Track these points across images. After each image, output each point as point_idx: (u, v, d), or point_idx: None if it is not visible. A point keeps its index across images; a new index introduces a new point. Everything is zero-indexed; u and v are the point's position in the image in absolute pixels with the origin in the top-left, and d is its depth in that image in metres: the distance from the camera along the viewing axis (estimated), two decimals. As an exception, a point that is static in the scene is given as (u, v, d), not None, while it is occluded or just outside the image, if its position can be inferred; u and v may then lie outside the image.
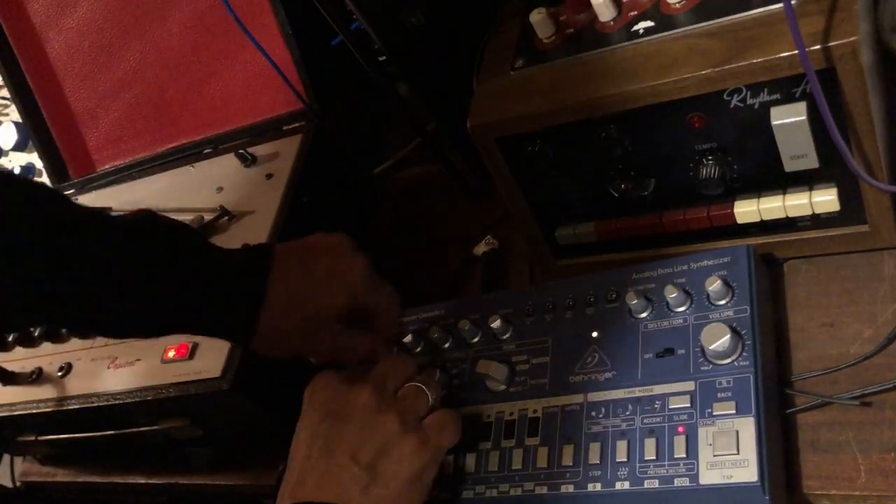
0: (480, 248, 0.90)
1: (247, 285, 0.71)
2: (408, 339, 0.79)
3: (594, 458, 0.64)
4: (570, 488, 0.63)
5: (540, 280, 0.84)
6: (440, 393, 0.70)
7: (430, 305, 0.82)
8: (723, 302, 0.65)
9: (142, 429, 0.91)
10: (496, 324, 0.75)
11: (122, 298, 0.69)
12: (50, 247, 0.65)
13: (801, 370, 0.67)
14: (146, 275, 0.69)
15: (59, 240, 0.66)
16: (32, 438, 1.02)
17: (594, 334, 0.70)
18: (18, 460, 1.14)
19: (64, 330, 0.99)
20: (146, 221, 0.71)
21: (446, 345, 0.78)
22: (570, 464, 0.64)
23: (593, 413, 0.66)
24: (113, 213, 0.76)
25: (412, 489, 0.64)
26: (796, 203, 0.66)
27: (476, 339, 0.77)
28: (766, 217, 0.68)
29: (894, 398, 0.62)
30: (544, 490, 0.65)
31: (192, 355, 0.85)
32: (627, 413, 0.64)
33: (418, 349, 0.79)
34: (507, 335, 0.75)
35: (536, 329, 0.74)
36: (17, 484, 1.11)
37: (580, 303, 0.73)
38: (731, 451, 0.58)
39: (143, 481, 1.00)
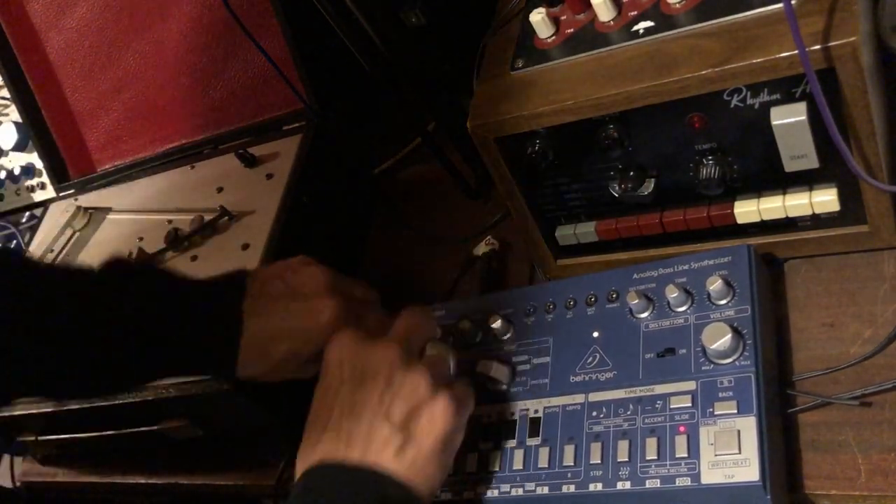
0: (480, 248, 0.90)
1: (223, 309, 0.71)
2: (408, 339, 0.79)
3: (595, 457, 0.64)
4: (572, 488, 0.64)
5: (540, 280, 0.84)
6: (457, 361, 0.69)
7: (430, 305, 0.82)
8: (724, 301, 0.65)
9: (142, 429, 0.91)
10: (496, 324, 0.75)
11: (96, 352, 0.69)
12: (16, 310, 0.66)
13: (801, 370, 0.67)
14: (121, 325, 0.69)
15: (25, 302, 0.67)
16: (32, 438, 1.02)
17: (595, 334, 0.70)
18: (18, 460, 1.14)
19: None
20: (113, 270, 0.72)
21: (447, 345, 0.78)
22: (572, 464, 0.65)
23: (594, 413, 0.66)
24: (76, 267, 0.76)
25: (444, 450, 0.62)
26: (796, 203, 0.66)
27: (476, 339, 0.77)
28: (766, 217, 0.68)
29: (894, 398, 0.62)
30: (545, 490, 0.65)
31: (192, 355, 0.85)
32: (629, 413, 0.64)
33: (419, 349, 0.79)
34: (508, 335, 0.75)
35: (537, 329, 0.74)
36: (17, 484, 1.11)
37: (581, 303, 0.73)
38: (732, 451, 0.58)
39: (143, 481, 1.00)
